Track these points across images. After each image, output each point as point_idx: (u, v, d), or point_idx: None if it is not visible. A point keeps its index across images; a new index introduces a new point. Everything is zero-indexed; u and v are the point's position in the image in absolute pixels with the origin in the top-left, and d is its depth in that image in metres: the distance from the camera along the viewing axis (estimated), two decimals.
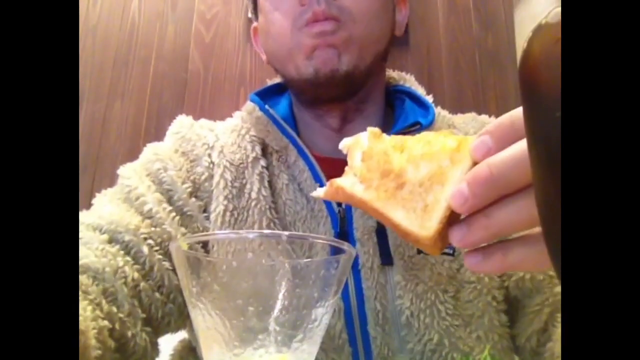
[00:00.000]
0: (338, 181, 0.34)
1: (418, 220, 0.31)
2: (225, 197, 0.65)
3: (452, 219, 0.31)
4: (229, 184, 0.65)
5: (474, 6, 1.63)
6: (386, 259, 0.62)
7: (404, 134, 0.34)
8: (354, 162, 0.34)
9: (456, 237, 0.30)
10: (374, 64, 0.67)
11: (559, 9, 0.20)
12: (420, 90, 0.75)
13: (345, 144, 0.36)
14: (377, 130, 0.35)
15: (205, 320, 0.32)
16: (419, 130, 0.66)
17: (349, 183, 0.34)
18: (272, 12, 0.66)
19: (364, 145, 0.35)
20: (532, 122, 0.22)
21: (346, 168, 0.35)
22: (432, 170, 0.31)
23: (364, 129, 0.36)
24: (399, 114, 0.71)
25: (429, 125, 0.67)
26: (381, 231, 0.63)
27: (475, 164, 0.30)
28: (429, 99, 0.73)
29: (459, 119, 0.75)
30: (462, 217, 0.31)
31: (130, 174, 0.65)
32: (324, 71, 0.62)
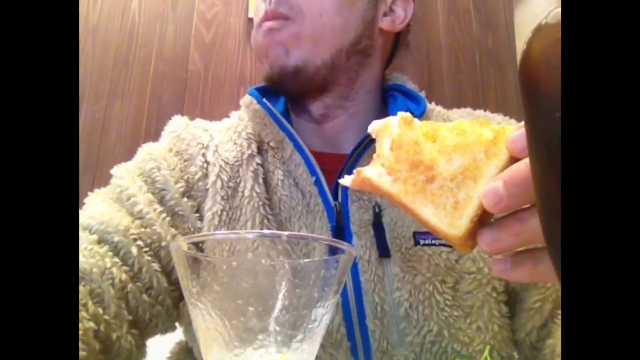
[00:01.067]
0: (365, 171, 0.32)
1: (447, 217, 0.29)
2: (222, 198, 0.64)
3: (484, 217, 0.29)
4: (225, 184, 0.65)
5: (474, 6, 1.63)
6: (383, 251, 0.62)
7: None
8: (382, 150, 0.32)
9: (485, 240, 0.29)
10: (338, 57, 0.68)
11: (559, 9, 0.20)
12: (412, 86, 0.75)
13: (374, 127, 0.34)
14: (408, 115, 0.33)
15: (205, 321, 0.31)
16: None
17: (376, 174, 0.32)
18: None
19: (393, 132, 0.32)
20: (533, 122, 0.22)
21: (374, 155, 0.33)
22: (465, 163, 0.29)
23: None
24: (392, 110, 0.72)
25: (420, 116, 0.68)
26: (378, 224, 0.63)
27: (512, 158, 0.28)
28: (422, 94, 0.74)
29: (455, 114, 0.76)
30: (494, 217, 0.29)
31: (122, 174, 0.65)
32: (274, 68, 0.67)
